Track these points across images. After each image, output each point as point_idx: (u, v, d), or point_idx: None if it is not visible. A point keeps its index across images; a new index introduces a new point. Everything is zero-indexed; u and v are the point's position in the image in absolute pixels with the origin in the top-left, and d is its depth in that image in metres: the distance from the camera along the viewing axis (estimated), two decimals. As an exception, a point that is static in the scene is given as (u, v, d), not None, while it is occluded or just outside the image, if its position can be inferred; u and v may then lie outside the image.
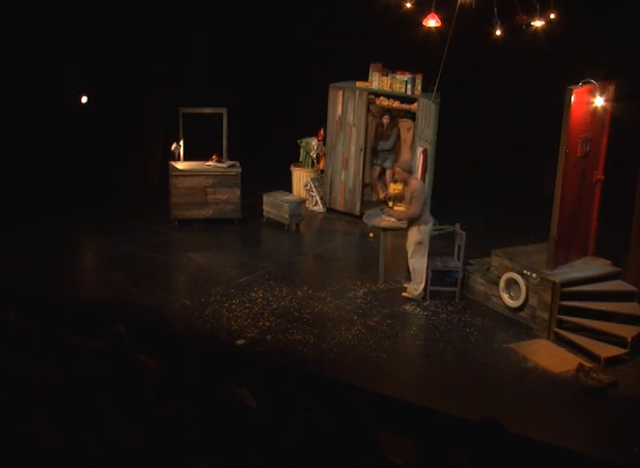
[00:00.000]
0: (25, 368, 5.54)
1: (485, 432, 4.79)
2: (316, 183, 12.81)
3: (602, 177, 9.19)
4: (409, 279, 10.13)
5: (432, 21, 9.91)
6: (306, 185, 12.84)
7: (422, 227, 9.61)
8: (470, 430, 4.93)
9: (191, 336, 8.53)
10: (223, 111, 12.11)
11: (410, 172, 9.72)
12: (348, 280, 10.13)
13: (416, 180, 9.77)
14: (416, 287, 9.66)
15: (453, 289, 9.72)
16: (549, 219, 8.92)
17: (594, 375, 7.79)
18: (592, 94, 8.66)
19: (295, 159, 13.09)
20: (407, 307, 9.43)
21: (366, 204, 12.56)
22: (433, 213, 11.26)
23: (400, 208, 10.04)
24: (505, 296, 9.26)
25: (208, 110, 12.24)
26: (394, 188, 10.15)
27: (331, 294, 9.68)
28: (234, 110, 12.39)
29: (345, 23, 13.36)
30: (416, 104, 11.79)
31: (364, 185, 12.59)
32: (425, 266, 9.59)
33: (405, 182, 9.69)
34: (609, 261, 9.31)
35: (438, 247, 10.90)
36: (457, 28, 10.46)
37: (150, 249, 11.00)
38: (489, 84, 12.97)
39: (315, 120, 12.77)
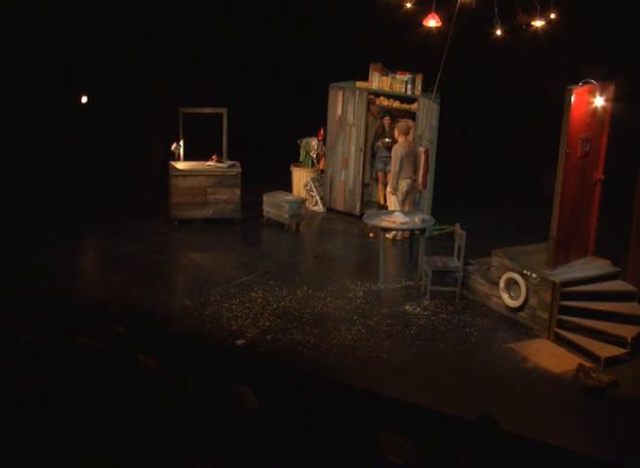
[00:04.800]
0: (25, 368, 5.55)
1: (481, 429, 4.80)
2: (316, 183, 12.81)
3: (602, 177, 9.18)
4: (409, 279, 10.16)
5: (432, 21, 9.93)
6: (306, 185, 12.84)
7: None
8: (468, 428, 4.94)
9: (191, 336, 8.53)
10: (223, 111, 12.11)
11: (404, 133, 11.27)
12: (348, 280, 10.13)
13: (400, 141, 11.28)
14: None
15: (453, 289, 9.71)
16: (549, 219, 8.91)
17: (594, 375, 7.79)
18: (592, 94, 8.65)
19: (295, 159, 13.09)
20: (407, 307, 9.43)
21: (366, 204, 12.57)
22: (433, 213, 11.29)
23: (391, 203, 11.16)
24: (505, 296, 9.25)
25: (208, 110, 12.24)
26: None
27: (331, 294, 9.68)
28: (234, 110, 12.39)
29: (345, 23, 13.36)
30: (416, 104, 11.78)
31: (364, 185, 12.58)
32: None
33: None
34: (609, 261, 9.30)
35: (438, 247, 10.91)
36: (457, 28, 10.46)
37: (150, 249, 11.00)
38: (489, 84, 12.97)
39: (315, 120, 12.77)
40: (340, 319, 9.06)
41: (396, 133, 11.34)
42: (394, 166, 11.21)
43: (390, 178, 11.43)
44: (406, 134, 11.27)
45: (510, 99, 12.88)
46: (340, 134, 12.43)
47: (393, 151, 11.29)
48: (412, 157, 11.28)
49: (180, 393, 5.39)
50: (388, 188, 11.48)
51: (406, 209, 11.26)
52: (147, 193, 13.09)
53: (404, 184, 11.28)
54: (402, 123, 11.44)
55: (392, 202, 11.41)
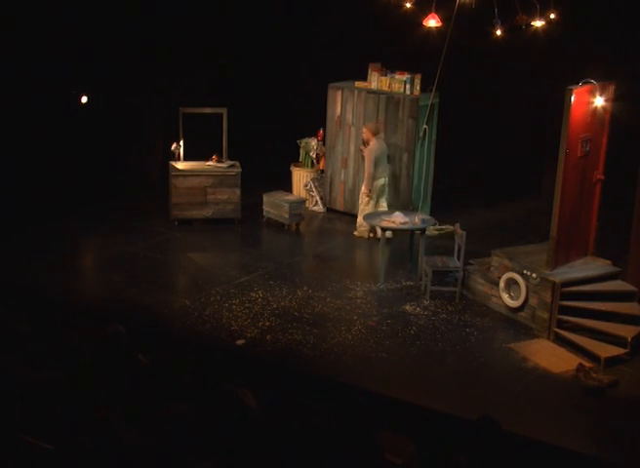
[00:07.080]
0: (25, 368, 5.54)
1: (481, 429, 4.80)
2: (316, 183, 12.81)
3: (602, 177, 9.19)
4: (409, 279, 10.16)
5: (432, 21, 9.93)
6: (306, 185, 12.84)
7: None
8: (468, 428, 4.93)
9: (191, 336, 8.53)
10: (223, 111, 12.11)
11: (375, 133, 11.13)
12: (348, 280, 10.12)
13: (373, 142, 11.12)
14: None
15: (453, 289, 9.71)
16: (549, 219, 8.92)
17: (594, 375, 7.79)
18: (592, 94, 8.66)
19: (295, 159, 13.09)
20: (407, 307, 9.42)
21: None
22: (434, 212, 11.28)
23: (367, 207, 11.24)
24: (505, 296, 9.25)
25: (208, 110, 12.24)
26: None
27: (331, 294, 9.68)
28: (234, 110, 12.38)
29: (345, 23, 13.36)
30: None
31: (364, 185, 12.57)
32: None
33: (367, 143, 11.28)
34: (609, 261, 9.30)
35: (438, 247, 10.90)
36: (457, 28, 10.46)
37: (150, 249, 11.00)
38: (489, 84, 12.97)
39: (315, 120, 12.77)
40: (339, 319, 9.06)
41: (366, 134, 11.25)
42: (368, 168, 11.14)
43: (365, 181, 11.34)
44: (377, 133, 11.20)
45: (510, 99, 12.88)
46: (339, 133, 12.43)
47: (367, 152, 11.20)
48: (385, 156, 11.29)
49: (179, 393, 5.39)
50: (364, 189, 11.40)
51: (382, 207, 11.27)
52: (147, 193, 13.08)
53: (378, 184, 11.26)
54: (371, 123, 11.39)
55: (364, 203, 11.36)
